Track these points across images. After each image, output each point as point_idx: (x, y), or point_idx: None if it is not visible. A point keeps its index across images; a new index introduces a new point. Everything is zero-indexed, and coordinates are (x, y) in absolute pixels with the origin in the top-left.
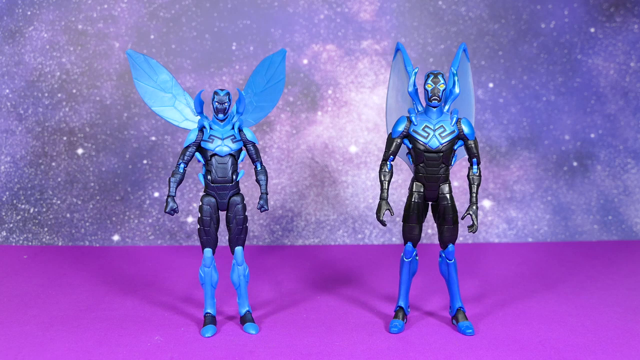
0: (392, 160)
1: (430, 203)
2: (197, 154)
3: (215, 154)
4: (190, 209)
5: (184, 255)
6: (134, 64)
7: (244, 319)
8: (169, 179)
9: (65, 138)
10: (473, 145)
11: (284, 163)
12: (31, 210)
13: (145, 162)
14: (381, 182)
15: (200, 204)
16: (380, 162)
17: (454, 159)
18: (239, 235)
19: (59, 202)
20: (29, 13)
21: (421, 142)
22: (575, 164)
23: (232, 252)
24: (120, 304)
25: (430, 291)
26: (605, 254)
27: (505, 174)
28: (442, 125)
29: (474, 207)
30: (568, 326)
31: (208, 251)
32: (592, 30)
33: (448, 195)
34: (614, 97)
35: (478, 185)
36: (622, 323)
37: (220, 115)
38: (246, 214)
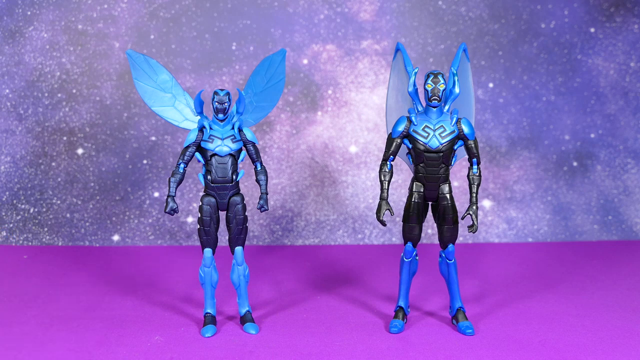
0: (392, 160)
1: (430, 203)
2: (197, 154)
3: (215, 154)
4: (190, 209)
5: (184, 255)
6: (134, 64)
7: (244, 319)
8: (169, 179)
9: (65, 138)
10: (473, 145)
11: (284, 163)
12: (31, 210)
13: (145, 162)
14: (381, 182)
15: (200, 204)
16: (380, 162)
17: (454, 159)
18: (239, 235)
19: (59, 202)
20: (29, 13)
21: (421, 142)
22: (575, 164)
23: (232, 252)
24: (120, 304)
25: (430, 291)
26: (605, 254)
27: (505, 174)
28: (442, 125)
29: (474, 207)
30: (568, 326)
31: (208, 251)
32: (592, 30)
33: (448, 195)
34: (614, 97)
35: (478, 185)
36: (622, 323)
37: (220, 115)
38: (246, 214)
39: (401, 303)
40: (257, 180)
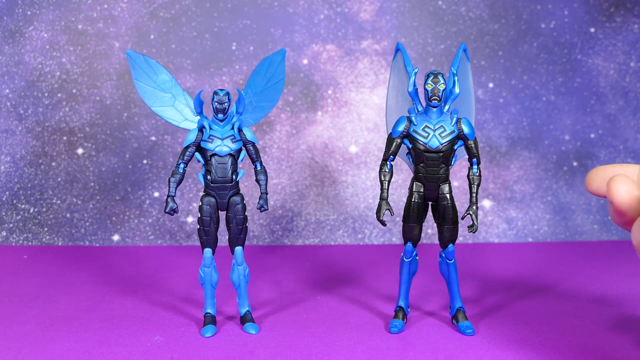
0: (392, 160)
1: (430, 203)
2: (197, 154)
3: (215, 154)
4: (190, 209)
5: (184, 255)
6: (134, 64)
7: (244, 319)
8: (169, 179)
9: (65, 138)
10: (473, 145)
11: (284, 163)
12: (31, 210)
13: (145, 162)
14: (381, 182)
15: (200, 204)
16: (380, 162)
17: (454, 159)
18: (238, 235)
19: (59, 202)
20: (29, 13)
21: (421, 142)
22: (575, 164)
23: (232, 252)
24: (120, 304)
25: (430, 291)
26: (605, 254)
27: (505, 174)
28: (442, 125)
29: (474, 207)
30: (568, 326)
31: (208, 251)
32: (592, 30)
33: (448, 195)
34: (614, 97)
35: (478, 185)
36: (622, 323)
37: (220, 115)
38: (246, 214)
39: (401, 303)
40: (257, 180)
